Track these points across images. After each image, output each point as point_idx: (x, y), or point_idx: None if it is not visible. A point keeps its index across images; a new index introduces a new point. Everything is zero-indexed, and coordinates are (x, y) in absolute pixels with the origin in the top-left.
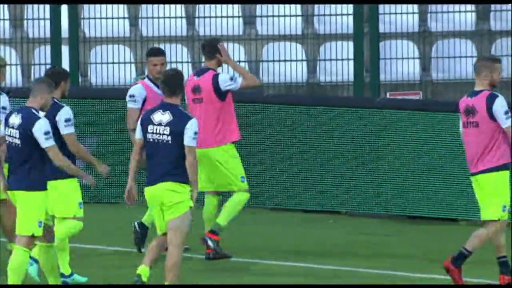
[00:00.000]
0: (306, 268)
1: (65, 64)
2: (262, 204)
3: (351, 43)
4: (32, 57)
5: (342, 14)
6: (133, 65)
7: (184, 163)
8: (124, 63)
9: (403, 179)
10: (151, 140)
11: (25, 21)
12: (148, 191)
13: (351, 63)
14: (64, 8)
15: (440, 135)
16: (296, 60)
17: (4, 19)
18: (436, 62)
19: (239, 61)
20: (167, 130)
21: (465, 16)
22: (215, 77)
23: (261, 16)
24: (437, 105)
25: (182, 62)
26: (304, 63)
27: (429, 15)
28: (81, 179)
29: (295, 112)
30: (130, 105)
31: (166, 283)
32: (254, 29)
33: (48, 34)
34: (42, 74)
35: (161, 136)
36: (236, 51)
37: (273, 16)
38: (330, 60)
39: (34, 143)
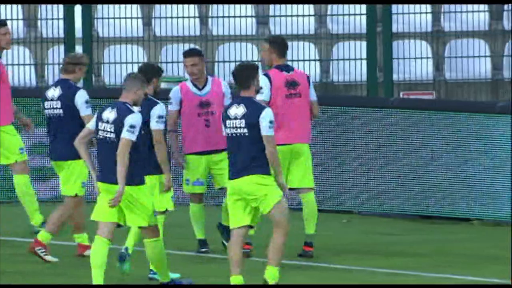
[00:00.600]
0: (319, 268)
1: None
2: None
3: (364, 43)
4: (45, 57)
5: (355, 14)
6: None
7: (264, 154)
8: (138, 62)
9: (417, 179)
10: (230, 134)
11: (38, 21)
12: (232, 184)
13: (364, 63)
14: (78, 8)
15: (454, 135)
16: (309, 60)
17: (18, 19)
18: (450, 62)
19: (252, 61)
20: (243, 123)
21: (479, 16)
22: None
23: (274, 16)
24: (451, 104)
25: None
26: (317, 63)
27: (442, 14)
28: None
29: None
30: (168, 107)
31: (268, 267)
32: (267, 29)
33: (61, 34)
34: (56, 73)
35: (239, 129)
36: (249, 51)
37: (286, 16)
38: (343, 60)
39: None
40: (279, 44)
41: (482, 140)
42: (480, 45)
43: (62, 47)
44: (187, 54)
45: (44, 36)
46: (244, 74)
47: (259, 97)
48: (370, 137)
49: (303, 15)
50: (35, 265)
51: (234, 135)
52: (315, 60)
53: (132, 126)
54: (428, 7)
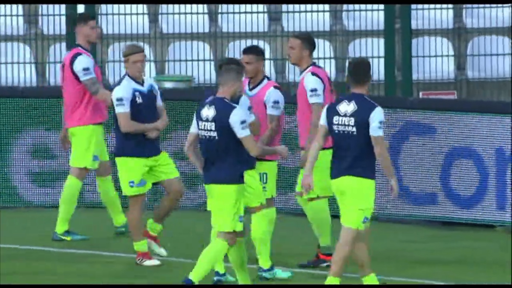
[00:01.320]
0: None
1: None
2: (285, 210)
3: (382, 40)
4: (47, 55)
5: (372, 10)
6: (152, 64)
7: (371, 156)
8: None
9: (436, 183)
10: (337, 131)
11: (39, 17)
12: (333, 184)
13: (382, 61)
14: (81, 4)
15: (476, 137)
16: (324, 58)
17: (18, 15)
18: (472, 60)
19: (263, 59)
20: (352, 121)
21: (503, 12)
22: None
23: (287, 12)
24: (473, 105)
25: (204, 60)
26: (333, 60)
27: (464, 10)
28: (281, 155)
29: None
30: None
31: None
32: (280, 25)
33: (63, 31)
34: (58, 72)
35: (347, 127)
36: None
37: (300, 12)
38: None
39: (231, 134)
40: (311, 40)
41: (506, 142)
42: (504, 42)
43: (64, 45)
44: (244, 51)
45: (45, 33)
46: (361, 68)
47: (314, 100)
48: (388, 139)
49: (318, 11)
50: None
51: (341, 132)
52: (330, 58)
53: (243, 122)
54: (449, 3)
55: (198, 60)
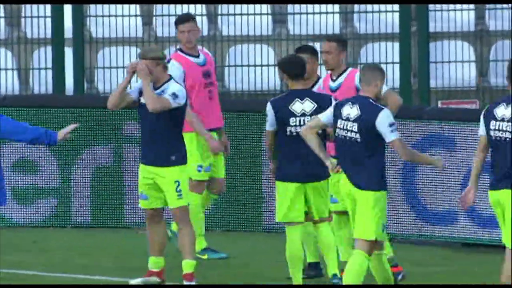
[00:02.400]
0: None
1: (69, 68)
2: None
3: (396, 44)
4: (30, 60)
5: (386, 11)
6: None
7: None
8: None
9: (456, 201)
10: (494, 137)
11: (22, 19)
12: (491, 195)
13: (397, 67)
14: (68, 5)
15: None
16: None
17: None
18: (495, 65)
19: (268, 65)
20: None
21: None
22: None
23: (293, 14)
24: None
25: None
26: None
27: (487, 12)
28: (435, 165)
29: None
30: None
31: None
32: (285, 28)
33: (49, 34)
34: (43, 79)
35: (505, 133)
36: (264, 53)
37: (307, 13)
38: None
39: (375, 137)
40: (346, 42)
41: None
42: None
43: (49, 49)
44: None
45: (28, 36)
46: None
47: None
48: None
49: (327, 13)
50: None
51: (499, 138)
52: None
53: (392, 124)
54: (471, 3)
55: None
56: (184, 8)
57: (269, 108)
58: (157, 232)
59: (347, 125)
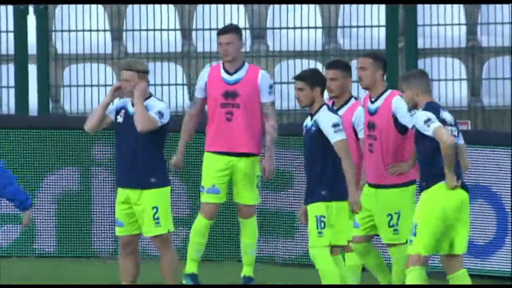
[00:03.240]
0: None
1: (32, 87)
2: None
3: None
4: None
5: (372, 26)
6: None
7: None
8: (105, 85)
9: None
10: None
11: None
12: None
13: None
14: (32, 18)
15: (493, 175)
16: None
17: None
18: (488, 84)
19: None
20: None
21: None
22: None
23: (273, 28)
24: (489, 137)
25: (176, 84)
26: None
27: (479, 26)
28: None
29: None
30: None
31: None
32: (264, 44)
33: (11, 50)
34: (4, 98)
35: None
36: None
37: (287, 28)
38: (358, 82)
39: None
40: (385, 60)
41: None
42: None
43: (11, 67)
44: (328, 66)
45: None
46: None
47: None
48: None
49: (308, 27)
50: None
51: None
52: None
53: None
54: (461, 17)
55: (169, 85)
56: (157, 23)
57: None
58: (130, 263)
59: (452, 131)
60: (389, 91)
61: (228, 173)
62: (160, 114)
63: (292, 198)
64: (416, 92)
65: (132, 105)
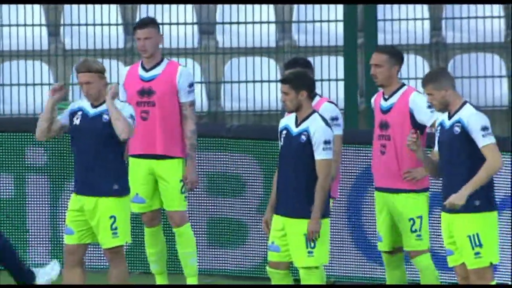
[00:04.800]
0: None
1: None
2: None
3: (341, 59)
4: None
5: (329, 21)
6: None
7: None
8: (42, 84)
9: None
10: None
11: None
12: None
13: (342, 84)
14: None
15: None
16: (269, 81)
17: None
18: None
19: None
20: None
21: (492, 24)
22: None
23: (222, 23)
24: None
25: (118, 83)
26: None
27: (444, 21)
28: None
29: (265, 148)
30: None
31: None
32: (213, 40)
33: None
34: None
35: None
36: (189, 68)
37: (238, 23)
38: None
39: None
40: (401, 55)
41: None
42: (494, 61)
43: None
44: (285, 65)
45: None
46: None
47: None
48: (351, 181)
49: (261, 22)
50: None
51: None
52: (276, 81)
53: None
54: (425, 12)
55: (111, 83)
56: (97, 17)
57: None
58: (74, 274)
59: None
60: (406, 86)
61: (151, 178)
62: (132, 118)
63: (244, 205)
64: (446, 91)
65: (93, 106)
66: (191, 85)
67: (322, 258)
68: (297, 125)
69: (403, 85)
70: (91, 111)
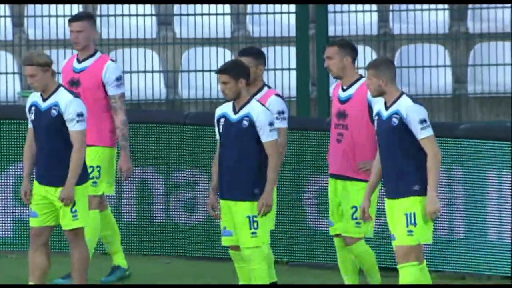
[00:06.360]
0: None
1: None
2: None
3: (293, 49)
4: None
5: (282, 13)
6: (17, 76)
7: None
8: (6, 73)
9: None
10: None
11: None
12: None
13: (294, 74)
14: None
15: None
16: None
17: None
18: (400, 72)
19: (152, 71)
20: None
21: (436, 16)
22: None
23: (180, 15)
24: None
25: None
26: None
27: (391, 13)
28: None
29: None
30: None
31: None
32: (171, 31)
33: None
34: None
35: None
36: (148, 58)
37: (195, 14)
38: (267, 70)
39: None
40: (351, 45)
41: (448, 170)
42: (439, 52)
43: None
44: (240, 53)
45: None
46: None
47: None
48: (300, 168)
49: (217, 14)
50: None
51: None
52: None
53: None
54: (373, 5)
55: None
56: (59, 9)
57: None
58: (40, 256)
59: None
60: (364, 79)
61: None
62: (81, 115)
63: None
64: (384, 81)
65: (43, 99)
66: (118, 78)
67: (265, 237)
68: (236, 112)
69: (362, 77)
70: (43, 105)
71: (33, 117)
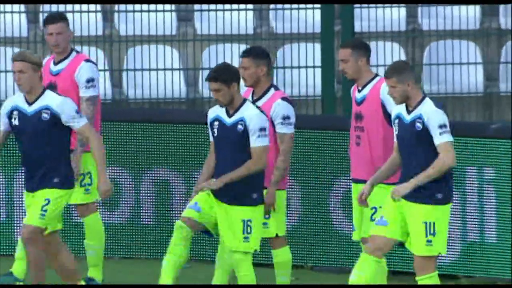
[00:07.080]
0: None
1: None
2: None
3: (318, 46)
4: None
5: (306, 8)
6: None
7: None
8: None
9: None
10: None
11: None
12: None
13: (319, 71)
14: None
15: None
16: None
17: None
18: (429, 70)
19: (172, 69)
20: None
21: (467, 11)
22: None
23: (200, 11)
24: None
25: (105, 70)
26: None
27: (420, 9)
28: None
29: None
30: None
31: None
32: (191, 27)
33: None
34: None
35: None
36: (168, 55)
37: (216, 10)
38: (291, 67)
39: None
40: (364, 45)
41: (478, 170)
42: (470, 48)
43: None
44: (242, 53)
45: None
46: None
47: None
48: (321, 166)
49: (239, 10)
50: None
51: None
52: None
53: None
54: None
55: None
56: (76, 6)
57: None
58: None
59: None
60: (378, 77)
61: None
62: (78, 112)
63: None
64: (409, 84)
65: (28, 103)
66: (89, 80)
67: (256, 245)
68: (230, 115)
69: (376, 75)
70: (28, 109)
71: (17, 122)
